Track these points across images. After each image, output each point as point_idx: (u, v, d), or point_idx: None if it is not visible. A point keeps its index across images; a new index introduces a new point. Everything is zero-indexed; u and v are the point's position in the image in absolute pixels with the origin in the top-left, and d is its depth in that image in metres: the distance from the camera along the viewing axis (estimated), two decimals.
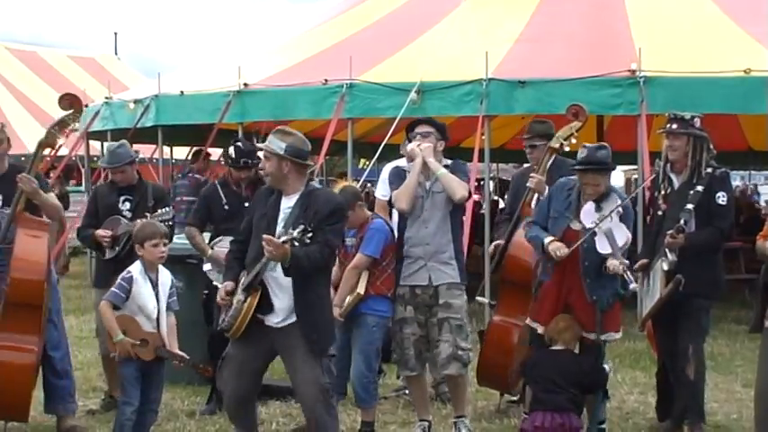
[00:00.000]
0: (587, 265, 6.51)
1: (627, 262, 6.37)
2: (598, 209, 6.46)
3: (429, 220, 6.93)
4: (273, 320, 6.00)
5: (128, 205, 7.92)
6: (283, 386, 7.89)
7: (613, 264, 6.29)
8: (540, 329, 6.67)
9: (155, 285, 6.57)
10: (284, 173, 6.05)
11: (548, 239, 6.55)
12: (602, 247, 6.37)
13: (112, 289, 6.56)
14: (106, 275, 7.54)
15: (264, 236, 5.74)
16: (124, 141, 8.33)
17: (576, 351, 6.59)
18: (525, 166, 9.11)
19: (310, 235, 5.74)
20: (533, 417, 6.36)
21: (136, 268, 6.57)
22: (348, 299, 7.03)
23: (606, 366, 6.66)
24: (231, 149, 7.98)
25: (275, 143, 6.05)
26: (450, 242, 6.97)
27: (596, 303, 6.52)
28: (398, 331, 7.04)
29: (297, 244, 5.73)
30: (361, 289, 7.03)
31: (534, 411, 6.39)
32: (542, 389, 6.40)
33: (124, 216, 7.83)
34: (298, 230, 5.70)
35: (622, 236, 6.41)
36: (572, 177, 6.79)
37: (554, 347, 6.52)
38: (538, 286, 6.83)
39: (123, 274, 6.59)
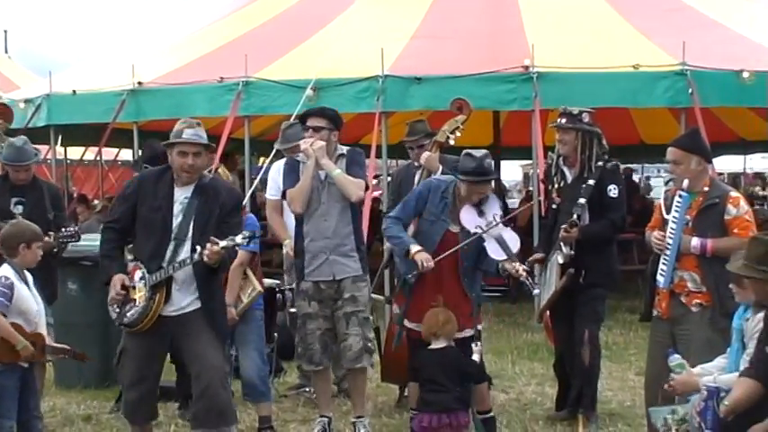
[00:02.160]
0: (465, 266, 6.57)
1: (528, 269, 6.48)
2: (480, 213, 6.51)
3: (328, 213, 6.89)
4: (169, 309, 5.96)
5: (20, 208, 7.64)
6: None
7: (513, 268, 6.36)
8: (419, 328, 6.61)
9: (29, 287, 6.40)
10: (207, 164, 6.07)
11: (414, 248, 6.45)
12: (496, 253, 6.41)
13: None
14: None
15: (209, 246, 5.65)
16: (26, 138, 8.09)
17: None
18: (406, 162, 9.19)
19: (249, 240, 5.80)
20: (420, 417, 6.31)
21: (9, 272, 6.31)
22: (244, 298, 7.00)
23: (475, 352, 6.55)
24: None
25: (202, 136, 6.02)
26: (351, 233, 6.95)
27: (474, 300, 6.62)
28: (302, 326, 7.02)
29: (237, 249, 5.77)
30: (258, 285, 7.02)
31: (422, 412, 6.35)
32: (428, 390, 6.35)
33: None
34: (240, 237, 5.70)
35: (513, 240, 6.48)
36: (444, 179, 6.81)
37: (436, 345, 6.40)
38: (403, 284, 6.77)
39: (1, 280, 6.27)
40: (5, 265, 6.39)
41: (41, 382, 7.21)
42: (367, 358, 6.95)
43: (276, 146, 8.59)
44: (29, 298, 6.35)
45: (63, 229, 7.51)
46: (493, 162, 6.60)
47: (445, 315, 6.41)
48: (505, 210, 7.16)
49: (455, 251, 6.46)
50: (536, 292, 6.53)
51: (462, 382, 6.39)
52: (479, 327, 6.79)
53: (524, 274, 6.35)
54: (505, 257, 6.39)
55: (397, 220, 6.72)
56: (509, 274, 6.45)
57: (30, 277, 6.48)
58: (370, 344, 6.97)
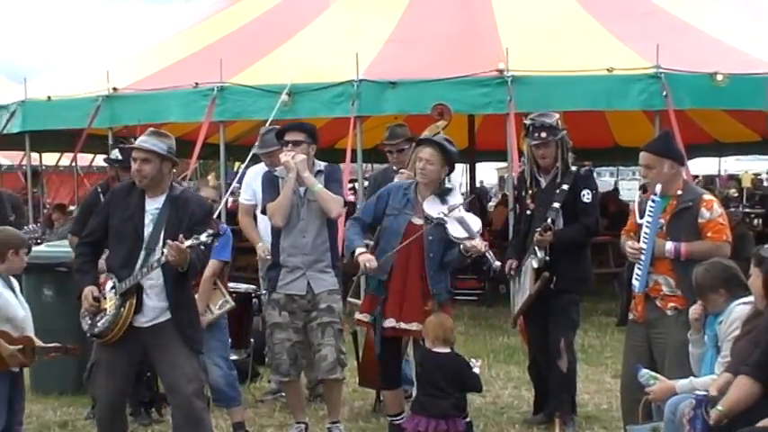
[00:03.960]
0: (432, 257, 6.59)
1: (486, 243, 6.48)
2: (444, 201, 6.60)
3: (306, 229, 6.88)
4: (141, 320, 5.95)
5: None
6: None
7: (474, 244, 6.39)
8: (390, 324, 6.65)
9: (15, 293, 6.36)
10: (164, 174, 6.03)
11: (359, 250, 6.61)
12: (457, 232, 6.46)
13: None
14: None
15: (170, 242, 5.65)
16: None
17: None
18: (384, 165, 9.20)
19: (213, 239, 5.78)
20: (416, 420, 6.31)
21: None
22: (214, 309, 7.00)
23: (475, 366, 6.54)
24: (116, 152, 7.89)
25: (157, 144, 6.00)
26: (328, 250, 6.96)
27: (435, 296, 6.63)
28: (270, 336, 7.00)
29: (203, 248, 5.74)
30: (230, 299, 7.04)
31: (417, 414, 6.35)
32: (426, 393, 6.35)
33: None
34: (205, 235, 5.67)
35: (476, 221, 6.56)
36: (408, 180, 6.99)
37: (438, 349, 6.41)
38: (378, 284, 6.76)
39: None
40: None
41: None
42: (340, 370, 6.92)
43: (254, 150, 8.59)
44: (16, 305, 6.31)
45: (26, 227, 7.51)
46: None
47: (450, 322, 6.48)
48: (483, 213, 7.21)
49: (418, 237, 6.53)
50: (497, 264, 6.50)
51: (461, 390, 6.42)
52: None
53: (484, 249, 6.37)
54: (466, 236, 6.43)
55: (357, 220, 6.91)
56: (469, 251, 6.43)
57: (16, 284, 6.45)
58: (343, 356, 6.94)
